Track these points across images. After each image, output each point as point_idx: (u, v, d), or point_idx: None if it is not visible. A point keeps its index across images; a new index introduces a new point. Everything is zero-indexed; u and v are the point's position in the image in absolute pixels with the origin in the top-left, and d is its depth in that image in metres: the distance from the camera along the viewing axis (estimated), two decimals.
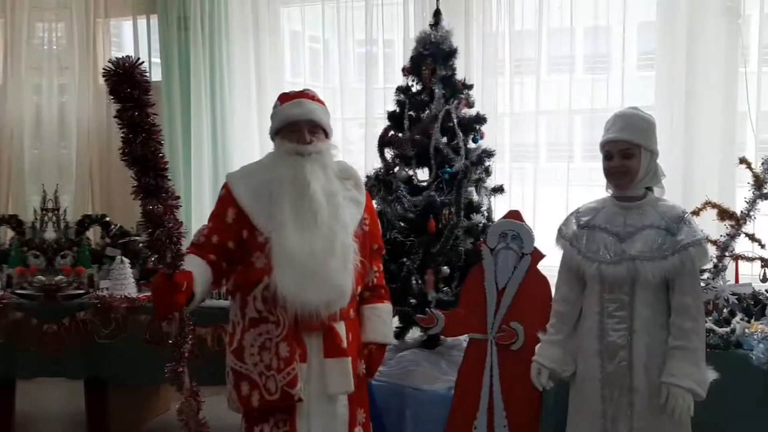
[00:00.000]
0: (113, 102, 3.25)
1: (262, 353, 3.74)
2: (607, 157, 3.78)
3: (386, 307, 4.22)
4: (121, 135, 3.28)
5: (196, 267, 3.68)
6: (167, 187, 3.42)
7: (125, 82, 3.19)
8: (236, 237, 3.81)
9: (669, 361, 3.59)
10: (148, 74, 3.29)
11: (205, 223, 4.00)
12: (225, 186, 3.93)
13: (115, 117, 3.28)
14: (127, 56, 3.25)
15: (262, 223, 3.75)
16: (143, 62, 3.25)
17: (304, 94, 3.96)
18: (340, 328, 3.84)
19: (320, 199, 3.73)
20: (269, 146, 4.07)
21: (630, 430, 3.69)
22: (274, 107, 4.00)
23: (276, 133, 3.96)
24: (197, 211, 7.79)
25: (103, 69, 3.23)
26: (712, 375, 3.63)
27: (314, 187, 3.73)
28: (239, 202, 3.81)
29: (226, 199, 3.88)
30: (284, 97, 3.98)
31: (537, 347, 4.08)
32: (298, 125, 3.85)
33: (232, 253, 3.82)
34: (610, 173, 3.79)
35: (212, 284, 3.89)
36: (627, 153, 3.70)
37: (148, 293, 5.79)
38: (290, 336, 3.71)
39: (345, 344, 3.84)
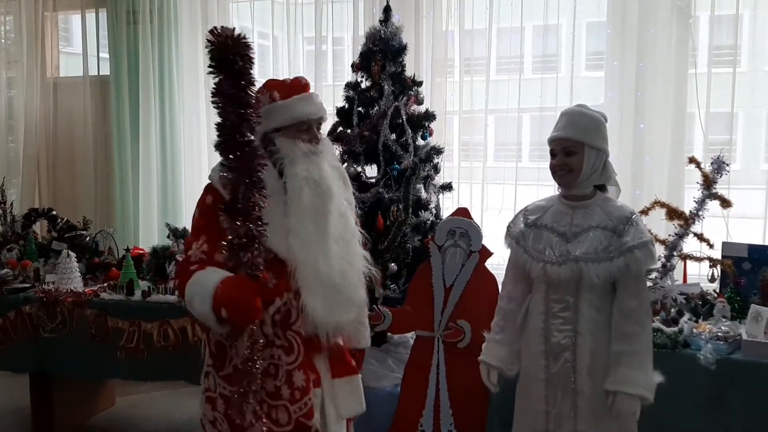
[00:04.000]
0: (214, 74, 3.00)
1: (265, 380, 3.33)
2: (552, 154, 3.76)
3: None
4: (219, 114, 3.02)
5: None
6: (261, 178, 3.12)
7: (232, 52, 2.94)
8: None
9: (614, 367, 3.56)
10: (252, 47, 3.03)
11: (187, 235, 3.65)
12: (211, 191, 3.41)
13: (214, 95, 3.02)
14: (227, 27, 2.99)
15: (278, 241, 3.30)
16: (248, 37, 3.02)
17: (306, 85, 3.57)
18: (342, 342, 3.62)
19: (340, 207, 3.46)
20: None
21: (574, 431, 3.66)
22: (271, 99, 3.46)
23: (275, 130, 3.47)
24: (145, 207, 7.74)
25: (206, 41, 2.96)
26: (657, 378, 3.60)
27: (335, 192, 3.43)
28: None
29: (216, 207, 3.29)
30: (282, 88, 3.50)
31: (483, 346, 4.04)
32: (309, 123, 3.49)
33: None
34: (554, 171, 3.76)
35: None
36: (569, 151, 3.67)
37: (95, 287, 5.72)
38: (305, 363, 3.38)
39: (354, 362, 3.68)
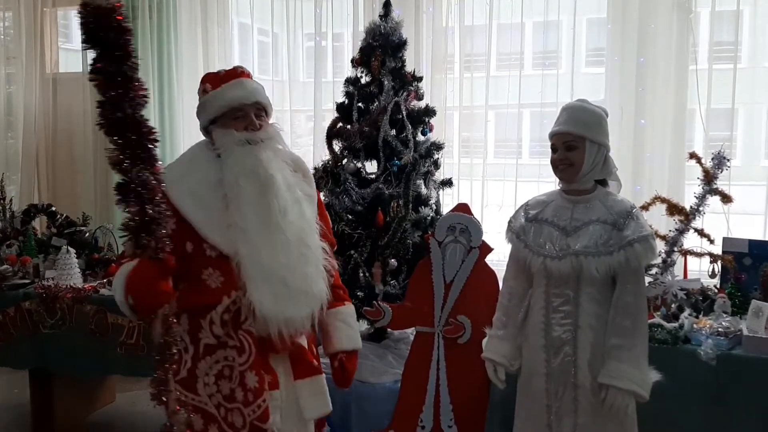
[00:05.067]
0: (89, 49, 2.68)
1: (219, 382, 3.27)
2: (553, 149, 3.76)
3: (349, 309, 3.77)
4: (99, 91, 2.73)
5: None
6: (156, 155, 2.85)
7: (105, 25, 2.61)
8: (180, 252, 3.17)
9: (608, 360, 3.56)
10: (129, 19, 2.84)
11: None
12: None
13: (91, 71, 2.71)
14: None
15: (219, 236, 3.21)
16: (123, 5, 2.66)
17: (242, 73, 3.44)
18: (305, 342, 3.47)
19: (285, 194, 3.28)
20: None
21: (575, 425, 3.66)
22: (204, 91, 3.42)
23: (212, 122, 3.39)
24: None
25: (79, 9, 2.61)
26: (654, 376, 3.61)
27: (278, 180, 3.26)
28: (180, 210, 3.22)
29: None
30: (214, 79, 3.42)
31: (485, 343, 4.04)
32: (243, 110, 3.32)
33: (176, 270, 3.12)
34: (555, 166, 3.76)
35: None
36: (570, 145, 3.66)
37: (94, 283, 5.73)
38: (258, 363, 3.25)
39: (317, 361, 3.51)
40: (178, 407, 3.00)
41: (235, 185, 3.23)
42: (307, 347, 3.47)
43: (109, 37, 2.65)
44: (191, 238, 3.24)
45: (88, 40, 2.66)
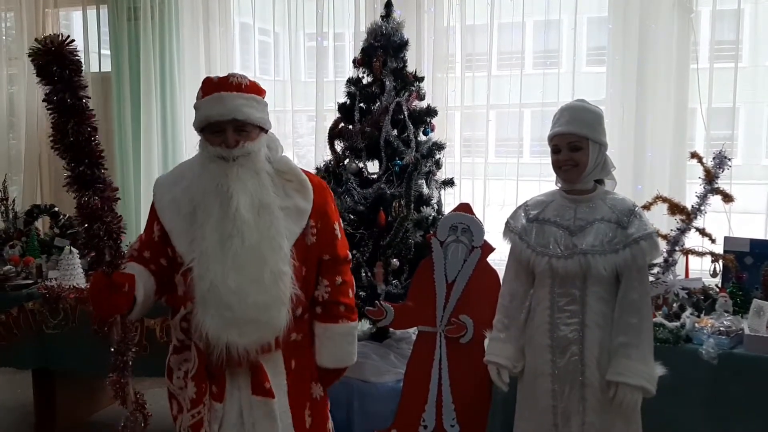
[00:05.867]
0: (42, 84, 2.90)
1: (185, 380, 3.40)
2: (555, 150, 3.75)
3: (341, 328, 3.64)
4: (51, 121, 2.98)
5: (137, 272, 3.29)
6: (103, 177, 3.08)
7: (54, 61, 2.84)
8: (166, 255, 3.40)
9: (616, 358, 3.56)
10: (79, 53, 2.92)
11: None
12: (154, 194, 3.48)
13: (44, 101, 2.95)
14: (56, 34, 2.88)
15: (183, 247, 3.29)
16: (73, 40, 2.89)
17: (228, 85, 3.30)
18: (274, 360, 3.42)
19: (245, 216, 3.20)
20: None
21: (582, 424, 3.65)
22: (197, 97, 3.37)
23: (201, 130, 3.38)
24: (146, 205, 7.66)
25: (30, 49, 2.88)
26: (660, 370, 3.61)
27: (239, 202, 3.20)
28: (161, 218, 3.38)
29: (152, 210, 3.46)
30: (207, 86, 3.35)
31: (487, 345, 4.03)
32: (220, 126, 3.27)
33: (165, 270, 3.41)
34: (558, 167, 3.75)
35: (155, 295, 3.44)
36: (575, 146, 3.66)
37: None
38: (200, 375, 3.30)
39: (269, 384, 3.39)
40: (134, 411, 3.37)
41: (202, 200, 3.25)
42: (269, 369, 3.40)
43: (62, 71, 2.87)
44: (170, 244, 3.36)
45: (40, 75, 2.89)
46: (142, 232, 3.58)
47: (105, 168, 3.11)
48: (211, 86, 3.32)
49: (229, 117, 3.25)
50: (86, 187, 3.05)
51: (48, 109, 2.95)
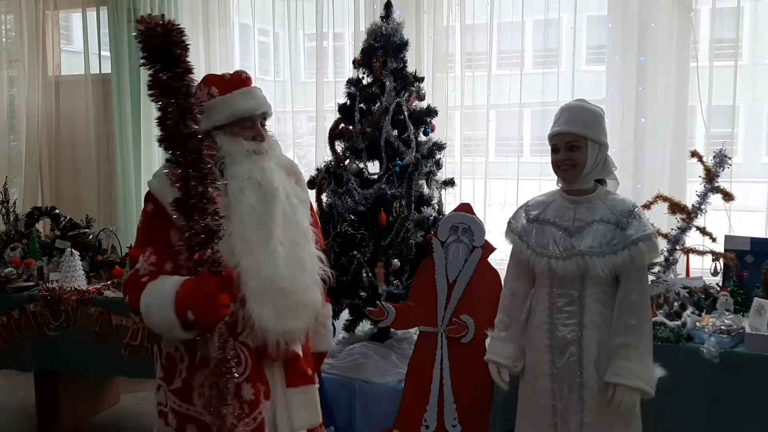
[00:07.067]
0: (148, 67, 2.78)
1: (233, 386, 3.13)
2: (554, 150, 3.74)
3: (327, 310, 3.73)
4: (160, 109, 2.83)
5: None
6: (212, 171, 2.97)
7: (165, 39, 2.72)
8: (179, 260, 3.12)
9: (614, 359, 3.55)
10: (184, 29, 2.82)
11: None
12: (151, 199, 3.27)
13: (151, 87, 2.81)
14: (152, 15, 2.75)
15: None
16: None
17: (247, 79, 3.39)
18: (300, 350, 3.41)
19: (286, 207, 3.27)
20: None
21: (580, 425, 3.65)
22: (210, 95, 3.29)
23: (216, 127, 3.30)
24: None
25: (137, 24, 2.73)
26: (659, 372, 3.60)
27: (281, 192, 3.26)
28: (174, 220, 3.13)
29: (158, 215, 3.22)
30: (220, 83, 3.36)
31: (488, 344, 4.02)
32: (252, 120, 3.31)
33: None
34: (557, 166, 3.75)
35: None
36: (573, 145, 3.66)
37: (98, 285, 5.75)
38: (254, 375, 3.20)
39: (311, 370, 3.47)
40: (236, 421, 3.07)
41: (239, 194, 3.18)
42: (302, 355, 3.43)
43: (171, 53, 2.74)
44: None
45: (148, 56, 2.76)
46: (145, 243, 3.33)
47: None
48: (230, 81, 3.35)
49: (262, 110, 3.36)
50: (203, 179, 2.91)
51: (153, 96, 2.84)
